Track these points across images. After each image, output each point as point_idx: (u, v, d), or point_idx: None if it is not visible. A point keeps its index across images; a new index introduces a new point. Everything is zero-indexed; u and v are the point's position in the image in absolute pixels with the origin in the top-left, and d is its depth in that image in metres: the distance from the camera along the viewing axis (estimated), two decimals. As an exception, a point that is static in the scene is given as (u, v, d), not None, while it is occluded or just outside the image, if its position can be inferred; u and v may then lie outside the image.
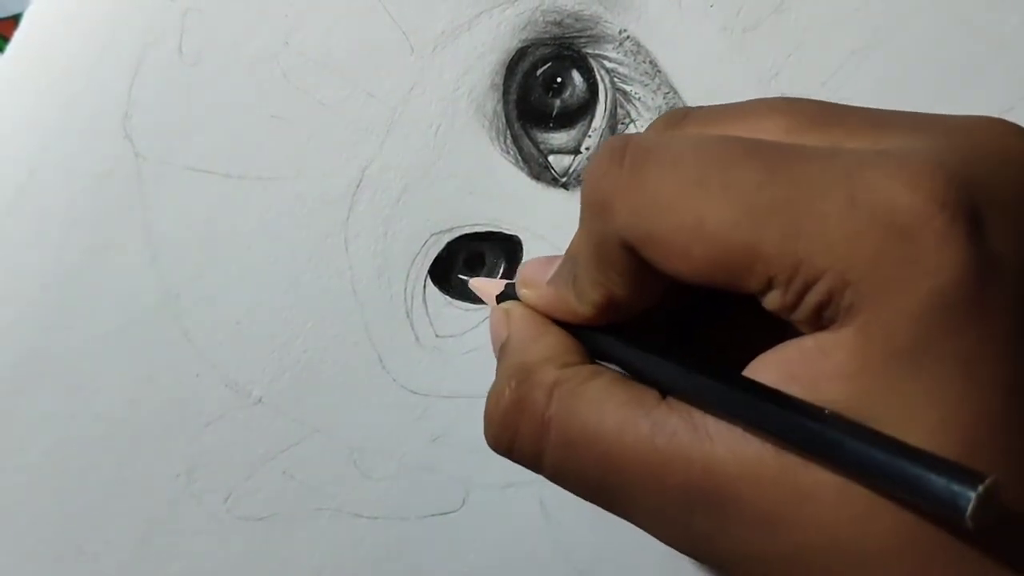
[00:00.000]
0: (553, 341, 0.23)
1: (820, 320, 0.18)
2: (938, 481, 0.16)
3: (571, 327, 0.23)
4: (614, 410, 0.20)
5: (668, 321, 0.25)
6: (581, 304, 0.22)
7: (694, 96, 0.35)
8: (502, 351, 0.24)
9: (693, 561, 0.33)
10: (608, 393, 0.21)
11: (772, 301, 0.19)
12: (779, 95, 0.35)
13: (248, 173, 0.34)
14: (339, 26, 0.34)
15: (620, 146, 0.20)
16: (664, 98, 0.34)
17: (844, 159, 0.18)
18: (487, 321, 0.35)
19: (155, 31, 0.34)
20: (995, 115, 0.20)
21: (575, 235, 0.23)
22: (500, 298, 0.27)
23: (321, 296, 0.34)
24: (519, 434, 0.22)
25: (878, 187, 0.17)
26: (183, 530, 0.34)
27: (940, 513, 0.16)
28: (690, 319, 0.25)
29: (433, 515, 0.35)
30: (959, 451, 0.17)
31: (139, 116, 0.34)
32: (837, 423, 0.17)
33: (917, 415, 0.17)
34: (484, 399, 0.35)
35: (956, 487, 0.16)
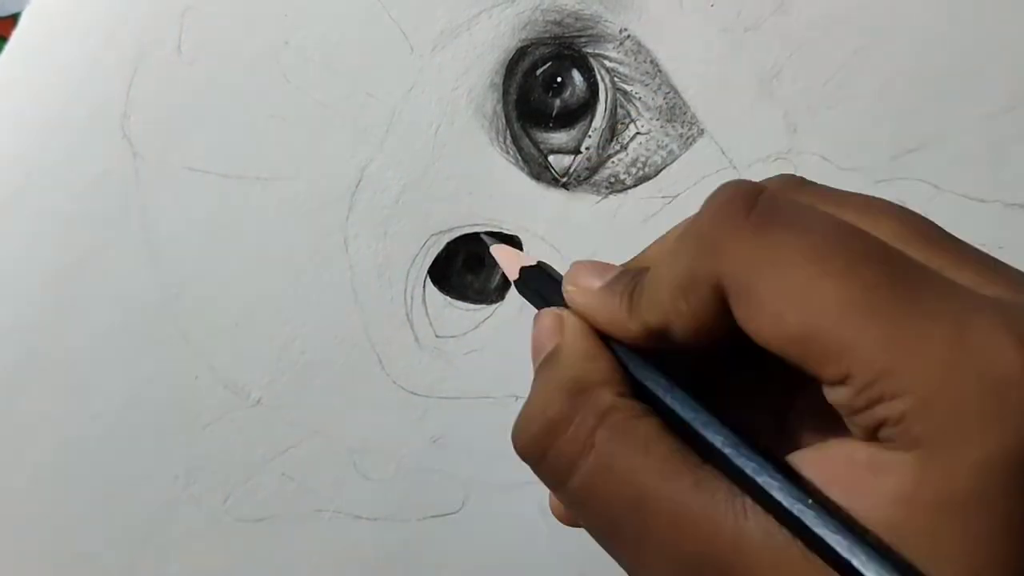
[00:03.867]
0: (609, 366, 0.23)
1: (875, 432, 0.18)
2: None
3: (613, 345, 0.23)
4: (661, 455, 0.20)
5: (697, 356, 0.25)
6: (632, 320, 0.22)
7: (695, 96, 0.35)
8: (551, 358, 0.24)
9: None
10: (659, 437, 0.21)
11: (838, 395, 0.19)
12: (780, 95, 0.35)
13: (247, 173, 0.34)
14: (338, 26, 0.34)
15: (751, 195, 0.20)
16: (665, 98, 0.34)
17: (961, 295, 0.19)
18: (487, 322, 0.35)
19: (153, 30, 0.33)
20: (996, 115, 0.20)
21: (651, 254, 0.24)
22: (523, 278, 0.26)
23: (320, 297, 0.34)
24: (556, 447, 0.22)
25: (987, 334, 0.18)
26: (182, 531, 0.34)
27: None
28: (720, 363, 0.25)
29: (433, 516, 0.35)
30: None
31: (137, 116, 0.34)
32: (875, 546, 0.18)
33: (949, 563, 0.18)
34: (484, 400, 0.35)
35: None
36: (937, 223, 0.22)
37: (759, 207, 0.20)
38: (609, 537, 0.21)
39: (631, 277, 0.23)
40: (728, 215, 0.20)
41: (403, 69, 0.34)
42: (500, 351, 0.35)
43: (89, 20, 0.34)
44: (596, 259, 0.24)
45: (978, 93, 0.34)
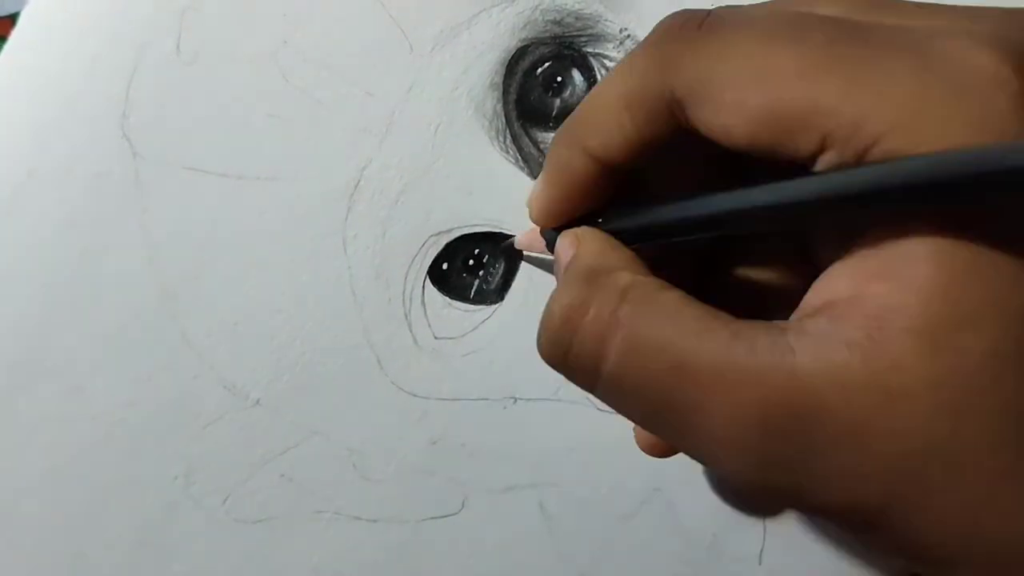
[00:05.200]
0: (627, 255, 0.22)
1: None
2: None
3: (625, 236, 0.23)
4: (691, 318, 0.19)
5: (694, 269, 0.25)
6: (574, 155, 0.22)
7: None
8: (569, 264, 0.23)
9: (702, 559, 0.32)
10: (684, 303, 0.20)
11: (827, 164, 0.18)
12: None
13: (246, 173, 0.34)
14: (338, 25, 0.34)
15: (700, 12, 0.20)
16: (665, 98, 0.34)
17: (915, 30, 0.18)
18: (486, 323, 0.35)
19: (152, 30, 0.33)
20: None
21: (591, 100, 0.23)
22: (551, 237, 0.26)
23: (319, 297, 0.34)
24: (581, 334, 0.20)
25: (951, 52, 0.17)
26: (181, 533, 0.34)
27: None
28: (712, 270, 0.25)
29: (432, 518, 0.35)
30: None
31: (137, 116, 0.34)
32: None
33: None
34: (483, 402, 0.35)
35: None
36: None
37: (709, 19, 0.20)
38: (661, 417, 0.20)
39: (573, 131, 0.23)
40: (678, 32, 0.20)
41: (402, 68, 0.34)
42: (499, 353, 0.34)
43: (88, 20, 0.33)
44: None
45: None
